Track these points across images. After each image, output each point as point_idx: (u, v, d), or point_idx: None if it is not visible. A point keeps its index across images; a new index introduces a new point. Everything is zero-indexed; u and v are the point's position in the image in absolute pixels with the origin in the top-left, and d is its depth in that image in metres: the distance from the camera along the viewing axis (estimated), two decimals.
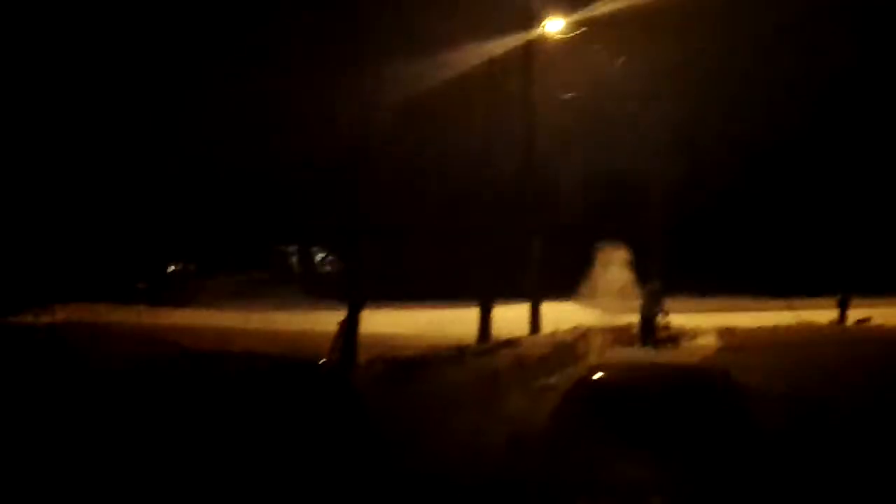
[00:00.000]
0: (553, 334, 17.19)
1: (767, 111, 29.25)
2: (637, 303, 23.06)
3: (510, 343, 15.80)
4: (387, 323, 21.83)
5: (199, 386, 7.74)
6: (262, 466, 6.72)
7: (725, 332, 19.92)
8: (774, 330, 20.49)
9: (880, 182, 30.42)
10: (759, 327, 20.67)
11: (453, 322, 21.06)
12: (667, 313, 19.00)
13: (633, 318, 20.71)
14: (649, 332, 18.77)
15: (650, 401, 6.75)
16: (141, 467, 6.61)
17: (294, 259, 40.05)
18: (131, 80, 25.82)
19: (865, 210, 30.54)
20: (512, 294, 22.42)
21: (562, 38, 20.39)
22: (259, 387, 7.77)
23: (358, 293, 15.16)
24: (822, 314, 22.42)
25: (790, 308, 22.75)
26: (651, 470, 5.95)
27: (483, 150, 20.16)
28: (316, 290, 32.46)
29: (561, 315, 22.21)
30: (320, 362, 11.10)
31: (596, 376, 7.98)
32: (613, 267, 28.18)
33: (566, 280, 27.01)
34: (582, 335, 17.13)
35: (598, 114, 28.69)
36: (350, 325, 14.30)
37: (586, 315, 23.16)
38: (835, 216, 30.56)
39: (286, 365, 9.21)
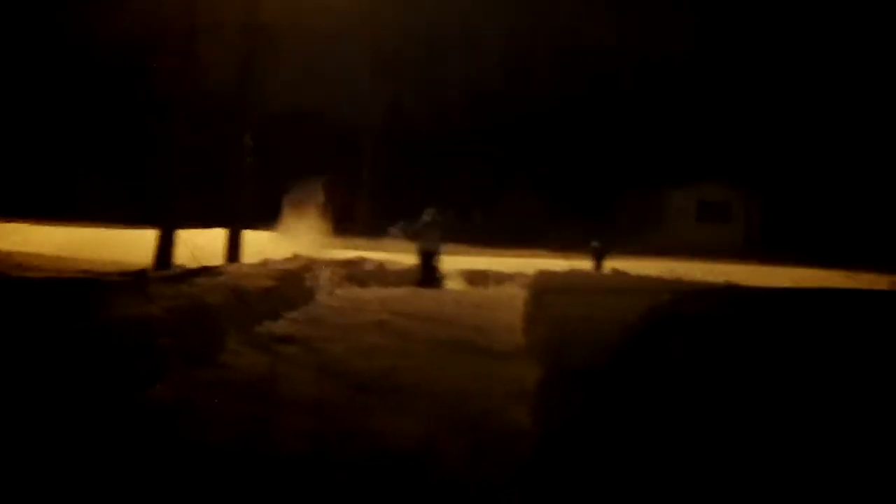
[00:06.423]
0: (265, 263, 12.61)
1: None
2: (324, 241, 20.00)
3: (207, 271, 10.99)
4: (16, 240, 16.02)
5: None
6: None
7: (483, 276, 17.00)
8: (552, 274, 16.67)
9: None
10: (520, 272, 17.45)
11: (123, 244, 15.74)
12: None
13: (340, 255, 17.49)
14: (429, 269, 15.56)
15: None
16: None
17: None
18: None
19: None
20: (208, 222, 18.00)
21: None
22: None
23: None
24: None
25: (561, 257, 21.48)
26: None
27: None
28: None
29: (265, 246, 17.85)
30: None
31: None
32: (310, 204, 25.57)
33: (263, 213, 23.22)
34: (306, 266, 12.81)
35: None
36: None
37: (292, 246, 19.15)
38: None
39: None
